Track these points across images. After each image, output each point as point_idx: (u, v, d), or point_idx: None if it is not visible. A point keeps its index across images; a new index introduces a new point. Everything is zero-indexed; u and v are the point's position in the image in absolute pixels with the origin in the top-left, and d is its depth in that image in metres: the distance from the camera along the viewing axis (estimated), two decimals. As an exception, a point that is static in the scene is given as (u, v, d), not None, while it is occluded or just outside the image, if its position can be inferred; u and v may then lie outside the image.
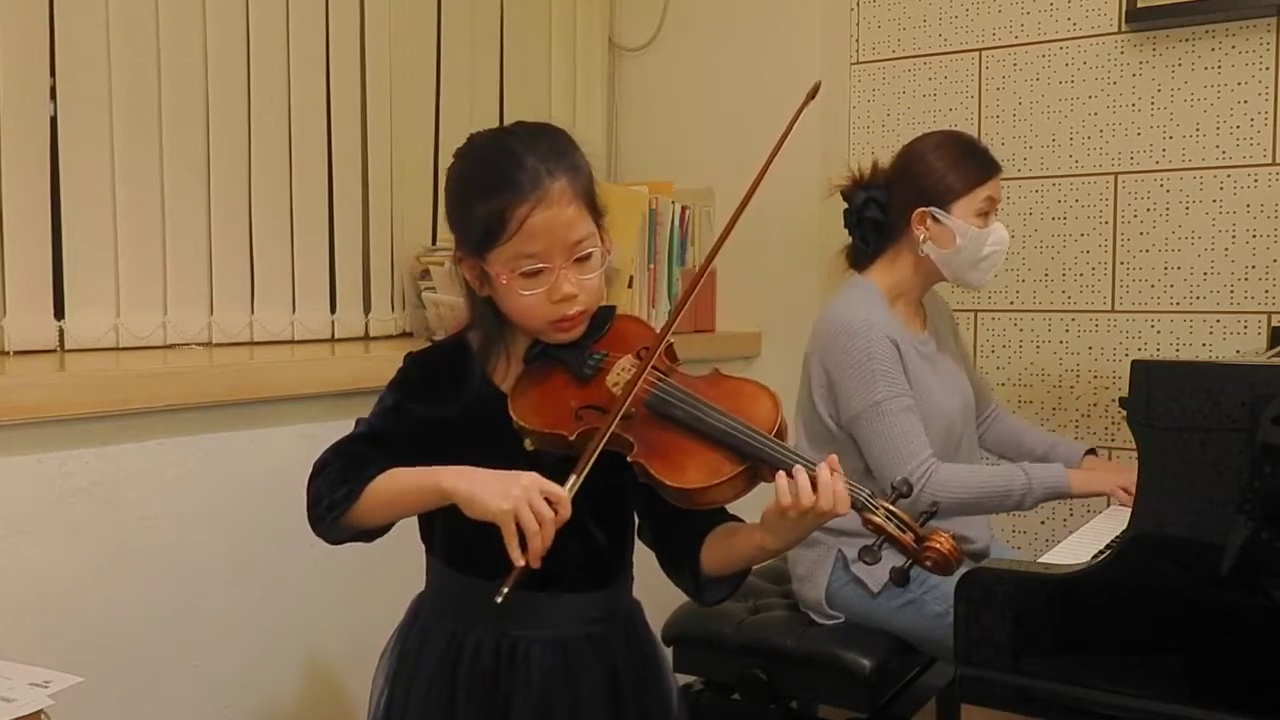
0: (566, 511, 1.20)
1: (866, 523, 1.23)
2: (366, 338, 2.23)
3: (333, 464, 1.34)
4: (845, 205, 2.09)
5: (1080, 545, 1.64)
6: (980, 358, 2.59)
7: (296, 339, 2.10)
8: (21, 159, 1.71)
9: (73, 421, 1.48)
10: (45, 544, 1.46)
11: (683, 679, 2.10)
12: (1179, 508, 1.28)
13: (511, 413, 1.33)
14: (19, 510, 1.44)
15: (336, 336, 2.17)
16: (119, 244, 1.83)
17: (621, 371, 1.34)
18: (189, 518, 1.63)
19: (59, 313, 1.77)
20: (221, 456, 1.67)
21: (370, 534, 1.36)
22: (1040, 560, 1.52)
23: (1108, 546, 1.56)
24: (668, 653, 1.56)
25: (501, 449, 1.32)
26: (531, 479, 1.21)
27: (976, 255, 1.96)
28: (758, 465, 1.25)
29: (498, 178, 1.29)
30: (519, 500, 1.18)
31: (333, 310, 2.18)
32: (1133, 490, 1.82)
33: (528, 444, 1.33)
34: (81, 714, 1.19)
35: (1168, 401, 1.28)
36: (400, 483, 1.29)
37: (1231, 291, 2.33)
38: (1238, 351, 2.31)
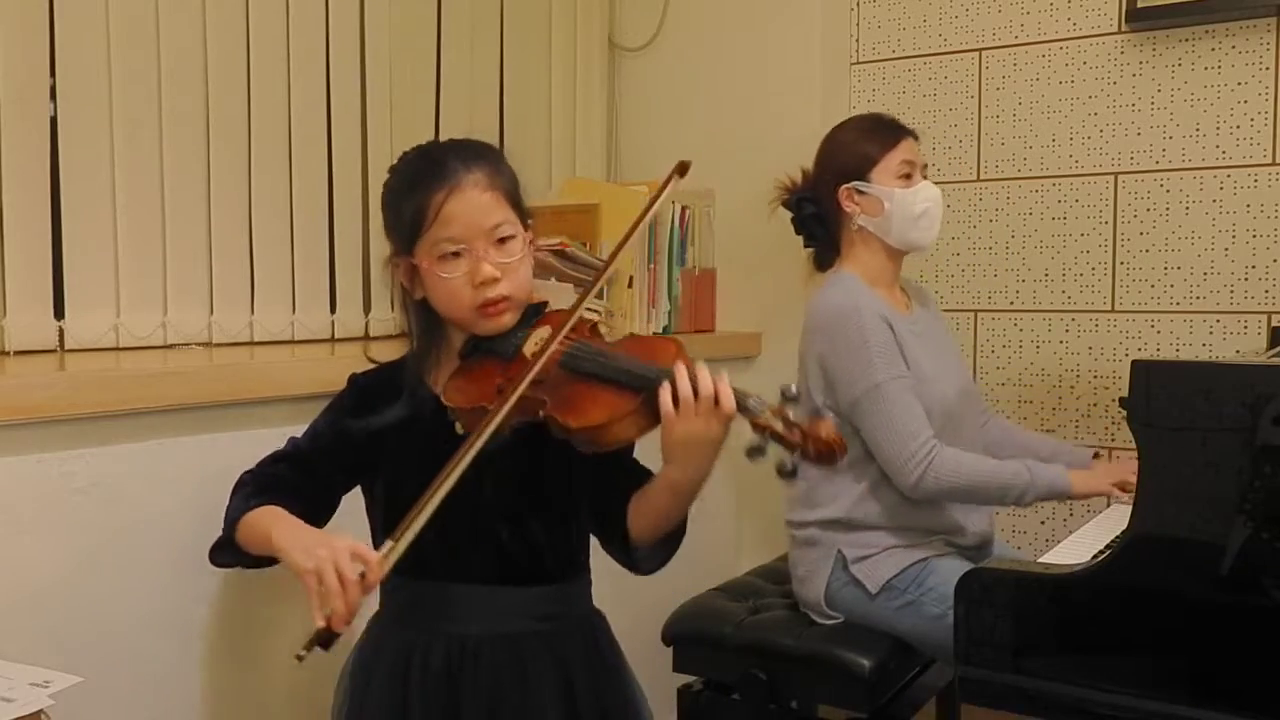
0: (376, 576, 1.21)
1: (754, 425, 1.24)
2: (366, 338, 2.23)
3: (246, 486, 1.41)
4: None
5: (1080, 545, 1.64)
6: (980, 358, 2.58)
7: (296, 339, 2.10)
8: (21, 159, 1.71)
9: (73, 421, 1.48)
10: (45, 544, 1.46)
11: (682, 679, 2.10)
12: (1179, 508, 1.28)
13: (442, 398, 1.37)
14: (19, 510, 1.43)
15: (336, 336, 2.17)
16: (119, 244, 1.83)
17: (537, 342, 1.37)
18: (189, 518, 1.62)
19: (59, 313, 1.77)
20: (222, 456, 1.66)
21: (252, 563, 1.39)
22: (1040, 560, 1.52)
23: (1108, 546, 1.56)
24: (634, 676, 1.53)
25: (438, 447, 1.34)
26: (345, 542, 1.22)
27: (910, 214, 2.01)
28: (655, 394, 1.27)
29: (419, 176, 1.37)
30: (323, 560, 1.20)
31: (333, 310, 2.18)
32: (1128, 485, 1.83)
33: (458, 427, 1.36)
34: (81, 714, 1.19)
35: (1168, 401, 1.28)
36: (255, 526, 1.34)
37: (1231, 291, 2.33)
38: (1238, 351, 2.31)
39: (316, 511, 1.40)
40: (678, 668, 2.08)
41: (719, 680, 2.07)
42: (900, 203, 2.00)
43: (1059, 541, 1.73)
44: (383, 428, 1.41)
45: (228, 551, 1.39)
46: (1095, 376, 2.46)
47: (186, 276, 1.93)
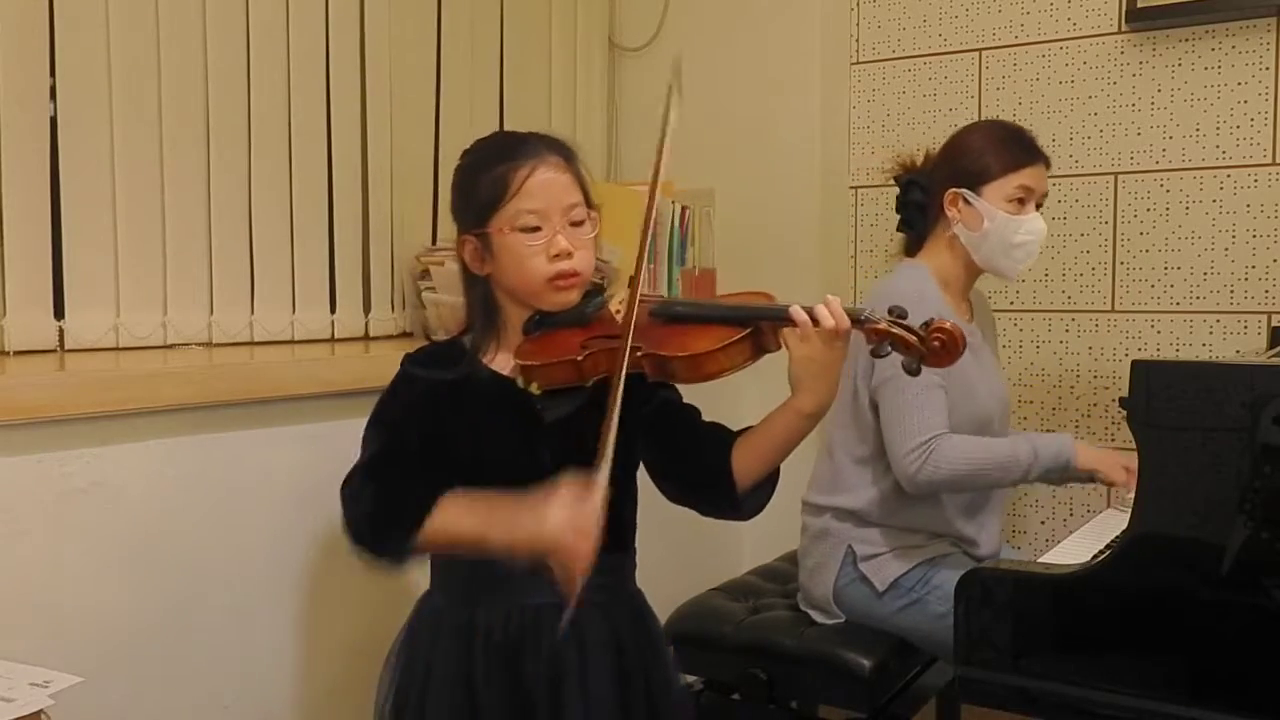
0: (599, 498, 1.26)
1: (870, 333, 1.29)
2: (366, 338, 2.23)
3: (367, 491, 1.39)
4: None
5: (1080, 545, 1.64)
6: (980, 358, 2.59)
7: (296, 339, 2.10)
8: (21, 159, 1.71)
9: (73, 421, 1.48)
10: (45, 544, 1.46)
11: (683, 679, 2.10)
12: (1179, 508, 1.28)
13: (516, 359, 1.40)
14: (19, 510, 1.44)
15: (336, 336, 2.17)
16: (119, 244, 1.83)
17: (620, 302, 1.42)
18: (189, 518, 1.63)
19: (59, 313, 1.77)
20: (221, 456, 1.67)
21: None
22: (1040, 560, 1.52)
23: (1108, 546, 1.56)
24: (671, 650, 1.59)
25: (503, 411, 1.39)
26: (560, 498, 1.27)
27: (1006, 242, 1.94)
28: (760, 328, 1.32)
29: (501, 151, 1.43)
30: (560, 536, 1.26)
31: (333, 310, 2.18)
32: (1134, 469, 1.80)
33: (534, 387, 1.39)
34: (81, 714, 1.19)
35: (1168, 401, 1.28)
36: (447, 529, 1.36)
37: (1231, 291, 2.33)
38: (1238, 351, 2.31)
39: None
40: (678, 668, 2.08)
41: (719, 680, 2.07)
42: (1000, 227, 1.93)
43: (1059, 541, 1.74)
44: (443, 386, 1.43)
45: (407, 560, 1.40)
46: (1095, 376, 2.46)
47: (186, 276, 1.93)
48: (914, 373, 1.28)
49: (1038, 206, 1.98)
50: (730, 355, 1.31)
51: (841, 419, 2.03)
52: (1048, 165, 1.99)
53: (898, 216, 2.12)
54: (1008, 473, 1.87)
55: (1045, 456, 1.85)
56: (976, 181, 1.95)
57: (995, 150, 1.96)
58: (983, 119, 2.10)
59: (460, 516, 1.36)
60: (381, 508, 1.38)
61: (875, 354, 1.30)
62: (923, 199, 2.04)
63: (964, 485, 1.91)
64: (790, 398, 1.34)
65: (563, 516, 1.26)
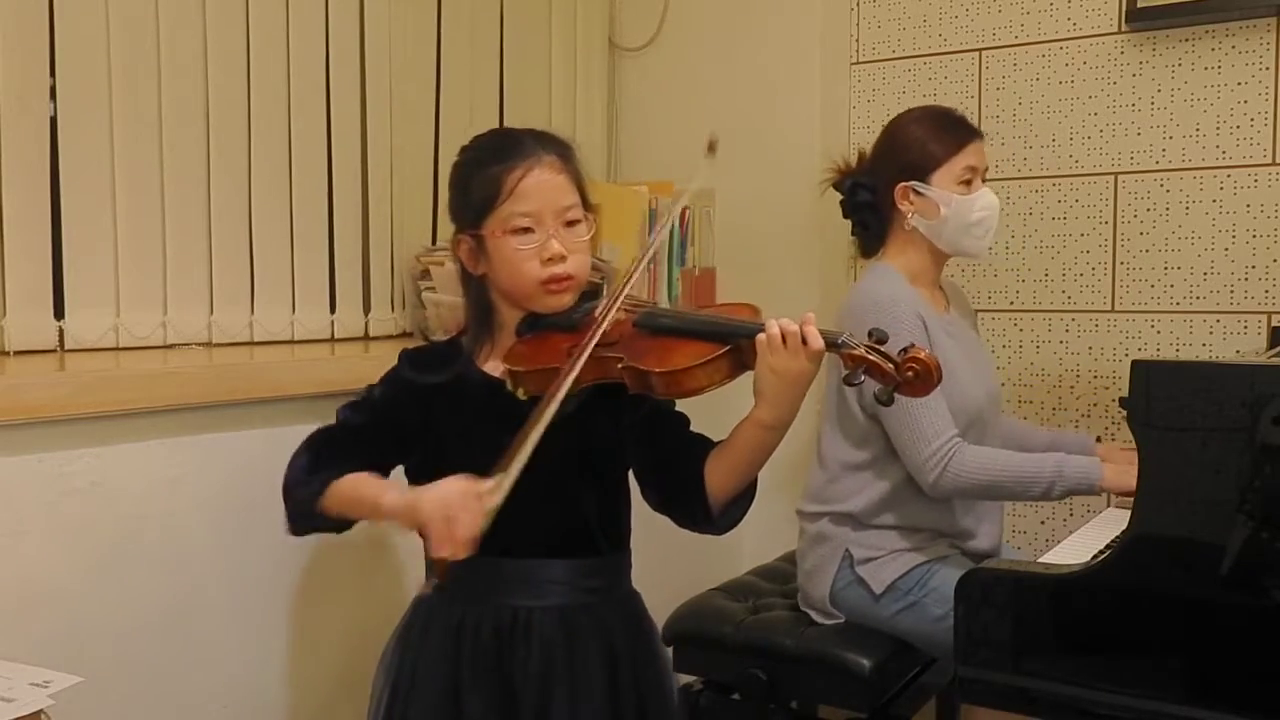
0: (493, 502, 1.25)
1: (846, 359, 1.28)
2: (366, 338, 2.23)
3: (303, 457, 1.43)
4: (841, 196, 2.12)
5: (1080, 545, 1.64)
6: (980, 358, 2.58)
7: (296, 339, 2.10)
8: (21, 159, 1.71)
9: (73, 421, 1.48)
10: (45, 544, 1.46)
11: (683, 679, 2.10)
12: (1179, 508, 1.28)
13: (504, 363, 1.40)
14: (19, 510, 1.44)
15: (336, 336, 2.17)
16: (119, 244, 1.83)
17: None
18: (189, 518, 1.63)
19: (59, 313, 1.77)
20: (221, 456, 1.67)
21: (334, 528, 1.44)
22: (1040, 560, 1.52)
23: (1108, 546, 1.56)
24: (668, 652, 1.59)
25: (491, 416, 1.39)
26: (449, 483, 1.27)
27: (965, 222, 1.97)
28: (739, 344, 1.31)
29: (496, 151, 1.42)
30: (446, 507, 1.26)
31: (332, 310, 2.18)
32: None
33: (520, 392, 1.39)
34: (81, 714, 1.19)
35: (1168, 401, 1.28)
36: (352, 494, 1.38)
37: (1231, 291, 2.33)
38: (1238, 351, 2.31)
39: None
40: (678, 668, 2.08)
41: (719, 680, 2.07)
42: (957, 210, 1.95)
43: (1059, 541, 1.73)
44: (434, 388, 1.44)
45: (314, 520, 1.41)
46: (1095, 376, 2.46)
47: (186, 276, 1.93)
48: (886, 403, 1.27)
49: (983, 181, 2.00)
50: (709, 372, 1.31)
51: (830, 428, 2.03)
52: (982, 138, 2.02)
53: (848, 218, 2.12)
54: (1029, 489, 1.86)
55: (1071, 477, 1.83)
56: (924, 171, 1.97)
57: (935, 136, 1.98)
58: (911, 108, 2.09)
59: (365, 480, 1.38)
60: (310, 461, 1.41)
61: (848, 381, 1.28)
62: (871, 199, 2.05)
63: (985, 494, 1.92)
64: (752, 408, 1.34)
65: (441, 498, 1.26)
